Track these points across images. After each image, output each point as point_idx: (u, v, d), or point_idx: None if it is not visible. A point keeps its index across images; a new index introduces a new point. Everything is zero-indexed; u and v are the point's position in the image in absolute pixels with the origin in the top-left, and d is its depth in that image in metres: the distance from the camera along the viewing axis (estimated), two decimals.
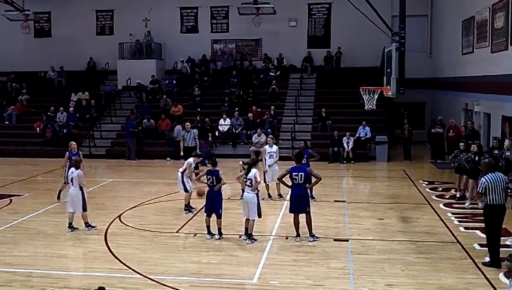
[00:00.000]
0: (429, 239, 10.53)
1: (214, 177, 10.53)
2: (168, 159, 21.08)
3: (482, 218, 11.82)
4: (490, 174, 9.09)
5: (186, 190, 12.63)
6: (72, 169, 11.46)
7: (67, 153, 13.79)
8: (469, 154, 13.20)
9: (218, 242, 10.37)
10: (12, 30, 27.61)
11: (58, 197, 13.68)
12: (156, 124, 22.77)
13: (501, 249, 9.22)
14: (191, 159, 12.82)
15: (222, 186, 10.62)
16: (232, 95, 24.46)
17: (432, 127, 20.75)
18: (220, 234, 10.57)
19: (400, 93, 15.31)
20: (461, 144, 13.88)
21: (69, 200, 11.41)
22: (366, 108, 16.88)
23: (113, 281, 8.37)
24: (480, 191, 9.05)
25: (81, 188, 11.24)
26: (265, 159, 14.02)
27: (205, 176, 10.82)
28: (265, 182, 13.83)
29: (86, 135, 23.06)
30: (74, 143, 14.21)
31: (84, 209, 11.23)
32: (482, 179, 9.10)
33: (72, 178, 11.30)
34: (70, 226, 11.22)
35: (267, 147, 14.35)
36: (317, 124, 22.51)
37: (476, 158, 12.90)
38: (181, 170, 12.70)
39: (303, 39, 26.81)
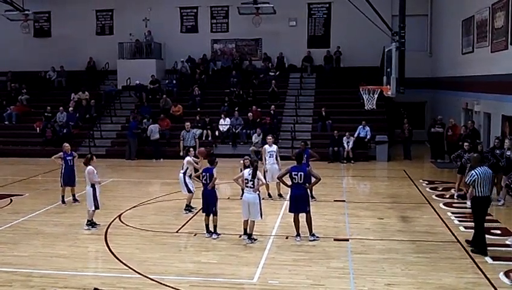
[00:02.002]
0: (429, 239, 10.53)
1: (208, 175, 10.56)
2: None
3: None
4: (479, 168, 9.66)
5: (189, 191, 12.63)
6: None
7: (62, 153, 13.78)
8: (471, 154, 13.18)
9: (217, 242, 10.36)
10: (12, 30, 27.62)
11: (63, 202, 13.67)
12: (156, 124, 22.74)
13: (498, 248, 9.53)
14: (189, 158, 12.79)
15: (216, 184, 10.61)
16: (232, 94, 24.45)
17: (432, 127, 20.76)
18: (216, 232, 10.57)
19: (399, 92, 15.31)
20: (466, 144, 13.85)
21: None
22: (366, 108, 16.88)
23: (112, 281, 8.38)
24: (468, 183, 9.69)
25: (92, 186, 11.28)
26: (265, 159, 14.01)
27: (201, 174, 10.85)
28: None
29: (86, 135, 23.07)
30: (68, 145, 14.17)
31: (95, 206, 11.28)
32: (472, 172, 9.72)
33: None
34: (88, 224, 11.32)
35: (266, 146, 14.33)
36: (317, 124, 22.51)
37: None
38: (182, 171, 12.69)
39: (303, 39, 26.81)
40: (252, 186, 10.24)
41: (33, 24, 28.57)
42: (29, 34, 28.68)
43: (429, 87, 25.39)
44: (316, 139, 21.14)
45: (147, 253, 9.75)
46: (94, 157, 11.86)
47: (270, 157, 14.02)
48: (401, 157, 20.99)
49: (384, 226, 11.47)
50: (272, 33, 26.42)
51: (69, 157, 13.76)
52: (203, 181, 10.67)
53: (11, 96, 26.35)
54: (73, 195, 13.75)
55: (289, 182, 10.55)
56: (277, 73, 25.88)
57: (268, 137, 14.87)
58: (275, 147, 14.33)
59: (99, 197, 11.40)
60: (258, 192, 10.34)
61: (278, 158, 14.13)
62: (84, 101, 24.88)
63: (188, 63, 26.98)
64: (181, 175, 12.69)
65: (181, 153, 17.72)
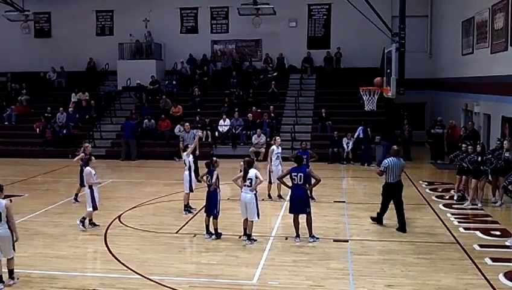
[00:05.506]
0: (429, 240, 10.53)
1: (210, 177, 10.57)
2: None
3: (482, 219, 11.97)
4: (392, 158, 11.07)
5: (191, 190, 12.64)
6: None
7: (83, 154, 13.45)
8: (472, 155, 13.19)
9: (217, 243, 10.37)
10: (13, 30, 27.65)
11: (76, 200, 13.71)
12: (156, 125, 22.79)
13: (498, 249, 9.63)
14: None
15: (218, 187, 10.61)
16: (232, 95, 24.46)
17: (432, 128, 20.77)
18: (217, 234, 10.58)
19: (399, 93, 15.34)
20: (464, 145, 13.86)
21: None
22: (366, 108, 16.90)
23: (112, 282, 8.38)
24: (381, 170, 11.13)
25: (90, 187, 11.25)
26: (272, 160, 13.96)
27: (205, 176, 10.85)
28: (270, 182, 13.84)
29: (86, 136, 23.05)
30: (89, 145, 14.16)
31: (92, 207, 11.24)
32: (385, 160, 11.20)
33: None
34: (90, 223, 11.36)
35: (274, 147, 14.19)
36: (317, 125, 22.51)
37: (479, 159, 12.91)
38: (187, 172, 12.73)
39: (303, 40, 26.80)
40: (249, 185, 10.25)
41: (33, 25, 28.57)
42: (30, 35, 28.71)
43: (429, 88, 25.39)
44: (315, 140, 21.13)
45: (147, 254, 9.75)
46: (93, 158, 11.85)
47: (276, 159, 13.98)
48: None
49: (384, 227, 11.47)
50: (272, 34, 26.42)
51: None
52: (207, 182, 10.69)
53: (11, 97, 26.34)
54: (76, 195, 13.71)
55: (290, 183, 10.56)
56: (275, 74, 25.80)
57: (277, 138, 14.76)
58: (280, 149, 14.31)
59: (97, 198, 11.39)
60: (254, 192, 10.33)
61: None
62: (84, 101, 24.89)
63: (189, 65, 26.97)
64: (186, 173, 12.73)
65: (182, 154, 17.71)
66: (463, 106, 20.35)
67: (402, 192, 11.28)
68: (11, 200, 13.95)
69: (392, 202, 11.34)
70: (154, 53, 27.02)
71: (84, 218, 11.32)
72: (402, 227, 11.06)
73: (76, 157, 14.18)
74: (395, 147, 11.76)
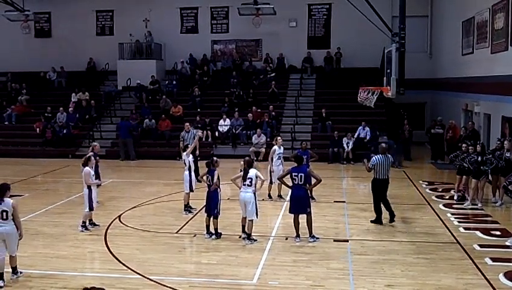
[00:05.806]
0: (429, 240, 10.53)
1: (211, 177, 10.58)
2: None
3: (482, 219, 11.98)
4: (380, 155, 11.49)
5: (191, 189, 12.64)
6: None
7: (92, 153, 13.45)
8: (472, 155, 13.19)
9: (217, 242, 10.37)
10: (13, 30, 27.67)
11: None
12: (156, 125, 22.79)
13: (498, 249, 9.65)
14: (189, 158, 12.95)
15: (219, 187, 10.61)
16: (232, 95, 24.46)
17: (432, 128, 20.77)
18: (217, 234, 10.58)
19: (399, 93, 15.32)
20: (464, 145, 13.86)
21: None
22: (362, 103, 16.97)
23: (112, 282, 8.37)
24: (370, 167, 11.55)
25: (88, 187, 11.17)
26: (273, 159, 13.98)
27: (205, 175, 10.84)
28: (271, 182, 13.86)
29: (86, 136, 23.07)
30: (97, 144, 14.09)
31: (89, 208, 11.17)
32: (373, 158, 11.64)
33: None
34: (90, 223, 11.34)
35: (276, 147, 14.19)
36: (317, 125, 22.51)
37: (479, 159, 12.91)
38: (186, 172, 12.74)
39: (303, 40, 26.80)
40: (249, 184, 10.25)
41: (33, 25, 28.58)
42: (30, 35, 28.74)
43: (429, 88, 25.38)
44: (315, 140, 21.12)
45: (147, 254, 9.75)
46: (92, 158, 11.81)
47: (278, 159, 14.00)
48: (401, 158, 20.93)
49: (383, 227, 11.47)
50: (272, 34, 26.42)
51: (97, 157, 13.65)
52: (207, 182, 10.69)
53: (11, 97, 26.34)
54: None
55: (290, 183, 10.57)
56: (273, 74, 25.73)
57: (279, 138, 14.76)
58: (282, 149, 14.33)
59: (95, 198, 11.32)
60: (253, 190, 10.32)
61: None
62: (84, 101, 24.89)
63: (188, 65, 26.98)
64: (186, 173, 12.73)
65: (182, 154, 17.71)
66: (463, 106, 20.36)
67: (387, 190, 11.75)
68: None
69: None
70: (154, 53, 27.02)
71: (84, 222, 11.29)
72: (392, 217, 11.62)
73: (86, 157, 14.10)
74: (383, 144, 12.21)
